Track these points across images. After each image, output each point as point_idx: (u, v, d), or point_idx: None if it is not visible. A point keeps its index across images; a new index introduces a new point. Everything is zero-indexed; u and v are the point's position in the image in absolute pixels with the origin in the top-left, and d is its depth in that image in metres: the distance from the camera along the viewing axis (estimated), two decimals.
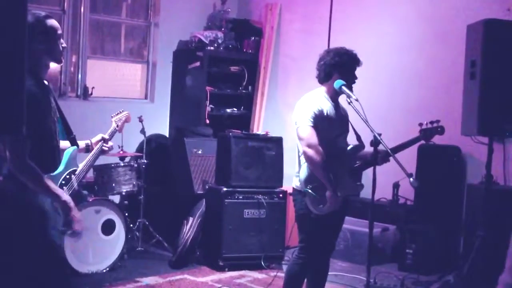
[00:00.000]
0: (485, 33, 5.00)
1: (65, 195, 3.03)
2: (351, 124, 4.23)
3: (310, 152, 3.97)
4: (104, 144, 3.61)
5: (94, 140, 3.61)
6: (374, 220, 4.38)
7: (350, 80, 4.11)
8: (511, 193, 5.50)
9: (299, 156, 4.16)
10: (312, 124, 4.01)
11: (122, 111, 3.94)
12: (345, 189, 4.08)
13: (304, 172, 4.07)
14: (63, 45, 3.13)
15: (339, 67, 4.10)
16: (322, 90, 4.20)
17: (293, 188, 4.22)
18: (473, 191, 5.81)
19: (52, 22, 3.09)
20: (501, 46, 5.03)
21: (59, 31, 3.13)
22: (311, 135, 3.99)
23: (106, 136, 3.65)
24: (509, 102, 5.03)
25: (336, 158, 4.08)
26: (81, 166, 3.39)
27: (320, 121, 4.05)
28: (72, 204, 3.03)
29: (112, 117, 3.89)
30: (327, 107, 4.12)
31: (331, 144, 4.08)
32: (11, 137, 2.73)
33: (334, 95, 4.17)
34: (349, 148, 4.10)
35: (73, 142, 3.35)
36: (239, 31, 7.84)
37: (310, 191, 4.02)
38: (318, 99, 4.13)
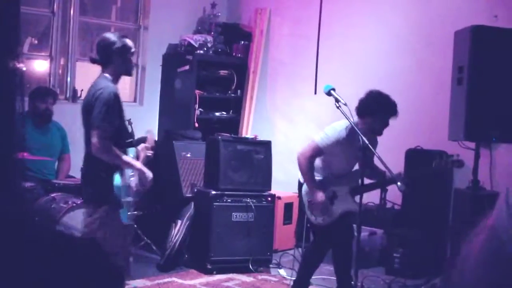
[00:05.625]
0: (472, 39, 5.05)
1: (136, 162, 4.10)
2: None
3: None
4: None
5: None
6: (361, 224, 4.43)
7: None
8: (497, 198, 5.54)
9: None
10: None
11: None
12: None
13: None
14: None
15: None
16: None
17: None
18: (460, 196, 5.84)
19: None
20: (488, 52, 5.08)
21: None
22: None
23: None
24: (495, 108, 5.08)
25: None
26: None
27: None
28: (143, 167, 4.11)
29: None
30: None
31: None
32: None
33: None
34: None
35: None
36: (228, 35, 7.85)
37: None
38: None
